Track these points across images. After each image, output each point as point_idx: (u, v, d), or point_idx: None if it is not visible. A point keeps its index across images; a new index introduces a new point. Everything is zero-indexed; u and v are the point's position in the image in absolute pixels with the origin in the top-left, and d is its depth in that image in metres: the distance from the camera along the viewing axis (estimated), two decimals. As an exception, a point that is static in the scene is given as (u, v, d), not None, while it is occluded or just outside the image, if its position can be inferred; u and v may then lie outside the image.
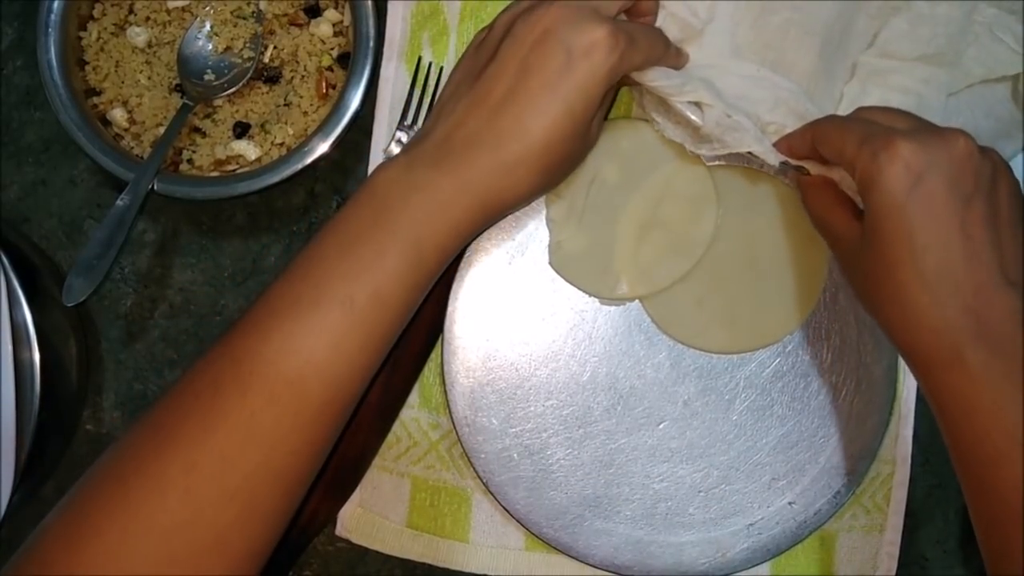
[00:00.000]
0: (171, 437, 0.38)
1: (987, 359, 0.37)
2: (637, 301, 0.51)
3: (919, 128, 0.41)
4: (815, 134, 0.43)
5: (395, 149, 0.52)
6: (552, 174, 0.43)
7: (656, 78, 0.44)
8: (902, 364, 0.51)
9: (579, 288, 0.51)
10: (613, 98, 0.48)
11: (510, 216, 0.50)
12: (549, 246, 0.51)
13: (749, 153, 0.46)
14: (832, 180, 0.44)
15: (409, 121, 0.52)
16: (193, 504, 0.37)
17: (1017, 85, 0.49)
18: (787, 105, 0.46)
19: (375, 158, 0.53)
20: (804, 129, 0.45)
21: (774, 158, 0.45)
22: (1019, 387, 0.37)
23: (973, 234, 0.38)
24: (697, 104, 0.45)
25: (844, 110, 0.48)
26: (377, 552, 0.52)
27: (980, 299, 0.37)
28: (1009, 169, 0.41)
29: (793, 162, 0.45)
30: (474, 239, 0.44)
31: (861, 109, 0.45)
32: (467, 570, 0.52)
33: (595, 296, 0.51)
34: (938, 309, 0.38)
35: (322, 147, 0.51)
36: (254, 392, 0.38)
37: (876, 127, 0.40)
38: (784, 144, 0.45)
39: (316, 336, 0.38)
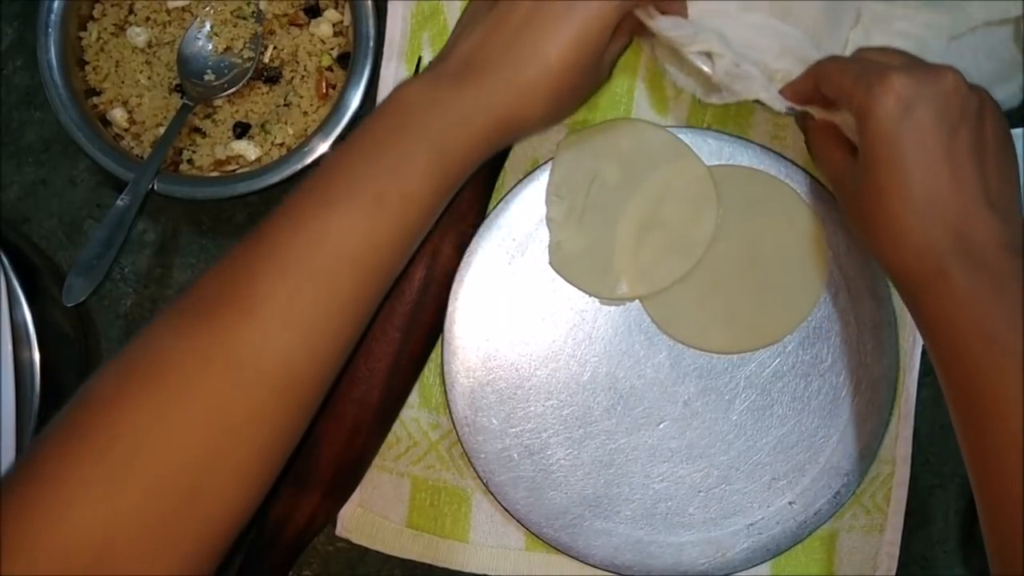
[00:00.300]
0: (212, 317, 0.39)
1: (970, 275, 0.39)
2: (637, 301, 0.51)
3: (911, 64, 0.44)
4: (817, 74, 0.46)
5: None
6: (564, 101, 0.46)
7: (669, 28, 0.46)
8: (902, 364, 0.51)
9: (579, 288, 0.51)
10: (625, 45, 0.50)
11: (510, 216, 0.50)
12: (549, 246, 0.51)
13: (757, 101, 0.47)
14: (834, 123, 0.45)
15: None
16: (233, 380, 0.38)
17: (1019, 27, 0.50)
18: (793, 53, 0.48)
19: None
20: (807, 72, 0.47)
21: (780, 104, 0.46)
22: (999, 299, 0.39)
23: (959, 161, 0.40)
24: (708, 54, 0.46)
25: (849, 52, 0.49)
26: (377, 552, 0.52)
27: (964, 221, 0.40)
28: (996, 106, 0.43)
29: (798, 108, 0.47)
30: (493, 154, 0.45)
31: (861, 50, 0.47)
32: (467, 570, 0.52)
33: (595, 296, 0.51)
34: (925, 229, 0.40)
35: (322, 147, 0.51)
36: (291, 278, 0.39)
37: (872, 64, 0.43)
38: (789, 90, 0.47)
39: (348, 230, 0.40)
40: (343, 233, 0.40)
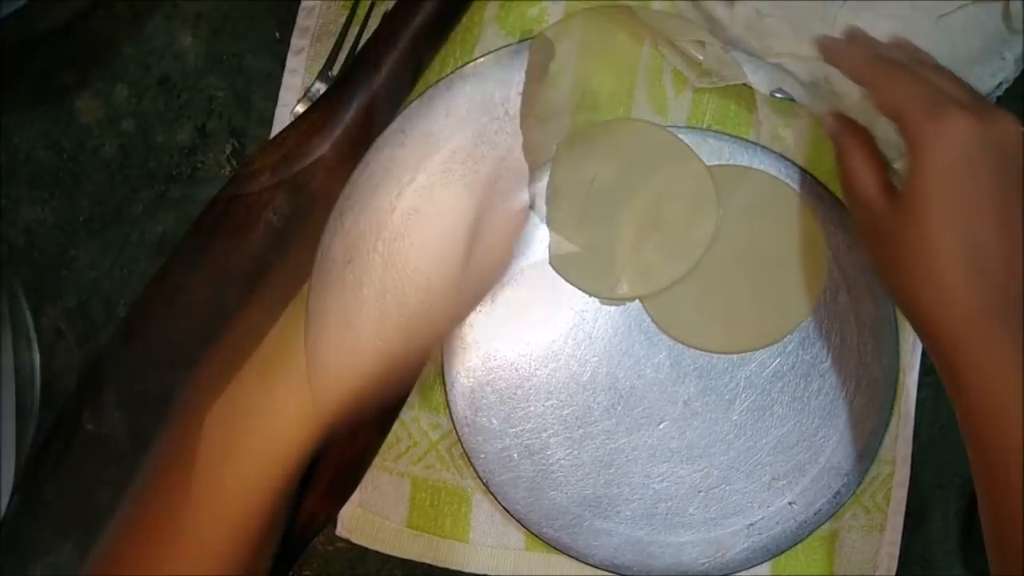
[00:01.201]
0: None
1: (1018, 341, 0.37)
2: (637, 301, 0.51)
3: (975, 104, 0.40)
4: (871, 73, 0.42)
5: (301, 109, 0.47)
6: None
7: (663, 19, 0.49)
8: (902, 364, 0.51)
9: (579, 288, 0.50)
10: None
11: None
12: (549, 246, 0.51)
13: (744, 84, 0.49)
14: (866, 139, 0.43)
15: (335, 70, 0.47)
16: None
17: (1008, 4, 0.49)
18: (782, 33, 0.49)
19: (280, 115, 0.50)
20: (846, 57, 0.43)
21: (765, 87, 0.49)
22: None
23: (1011, 220, 0.38)
24: (700, 42, 0.49)
25: (837, 32, 0.48)
26: (377, 552, 0.52)
27: (1015, 282, 0.37)
28: None
29: (784, 89, 0.48)
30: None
31: (899, 50, 0.44)
32: (467, 570, 0.52)
33: (595, 296, 0.51)
34: (971, 287, 0.37)
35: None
36: None
37: (933, 89, 0.40)
38: (827, 49, 0.44)
39: None
40: None
